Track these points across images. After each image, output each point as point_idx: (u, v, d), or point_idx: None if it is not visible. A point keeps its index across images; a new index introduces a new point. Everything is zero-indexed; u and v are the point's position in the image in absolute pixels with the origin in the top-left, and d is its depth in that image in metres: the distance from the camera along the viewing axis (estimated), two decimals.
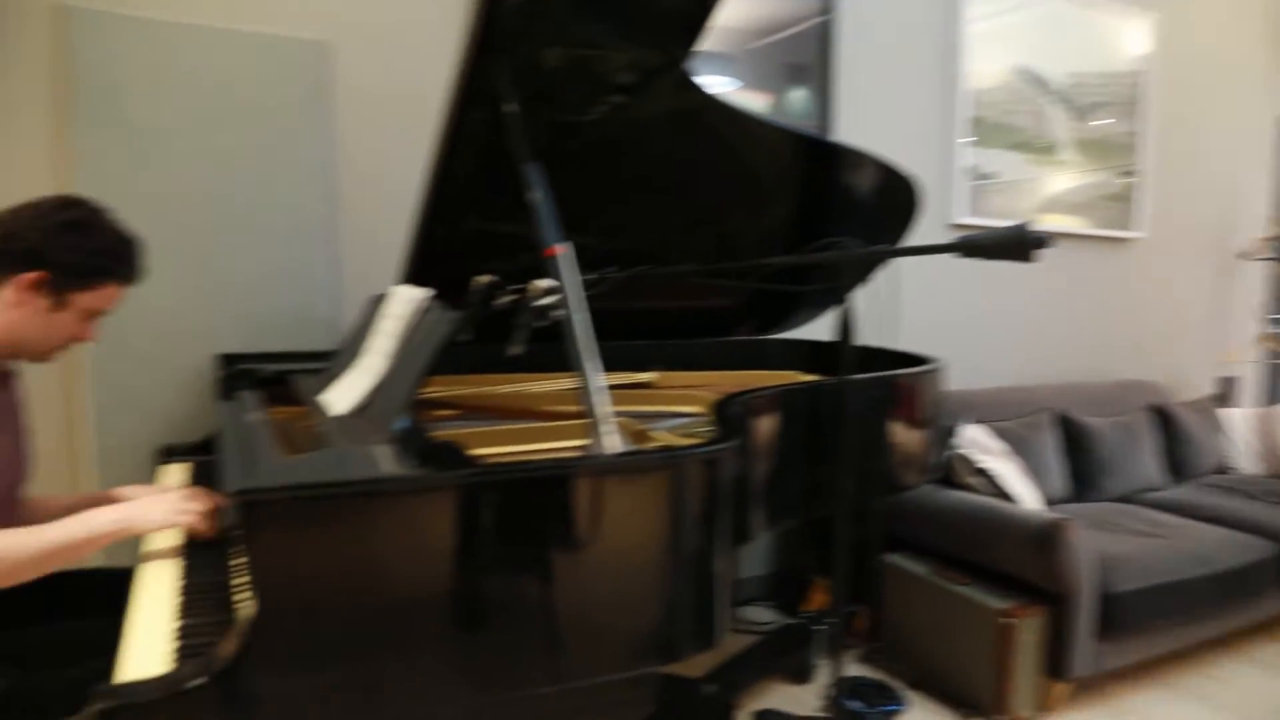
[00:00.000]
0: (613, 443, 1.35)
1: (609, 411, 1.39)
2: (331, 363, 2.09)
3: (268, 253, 2.48)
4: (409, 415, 1.46)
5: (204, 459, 2.24)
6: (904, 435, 2.20)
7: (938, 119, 3.63)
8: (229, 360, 2.35)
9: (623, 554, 1.32)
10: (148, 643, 1.29)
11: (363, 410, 1.65)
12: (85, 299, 1.60)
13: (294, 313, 2.51)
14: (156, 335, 2.39)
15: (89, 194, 1.64)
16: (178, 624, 1.34)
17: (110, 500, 1.89)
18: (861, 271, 2.58)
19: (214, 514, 1.56)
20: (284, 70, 2.47)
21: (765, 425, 1.80)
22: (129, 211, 1.67)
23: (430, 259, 2.10)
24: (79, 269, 1.57)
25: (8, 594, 1.70)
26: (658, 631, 1.35)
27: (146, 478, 2.32)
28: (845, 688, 2.63)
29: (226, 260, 2.44)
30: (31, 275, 1.54)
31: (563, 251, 1.46)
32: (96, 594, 1.79)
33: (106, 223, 1.61)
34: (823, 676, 2.82)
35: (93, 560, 2.29)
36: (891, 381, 2.18)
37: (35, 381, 2.32)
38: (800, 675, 2.81)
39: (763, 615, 3.22)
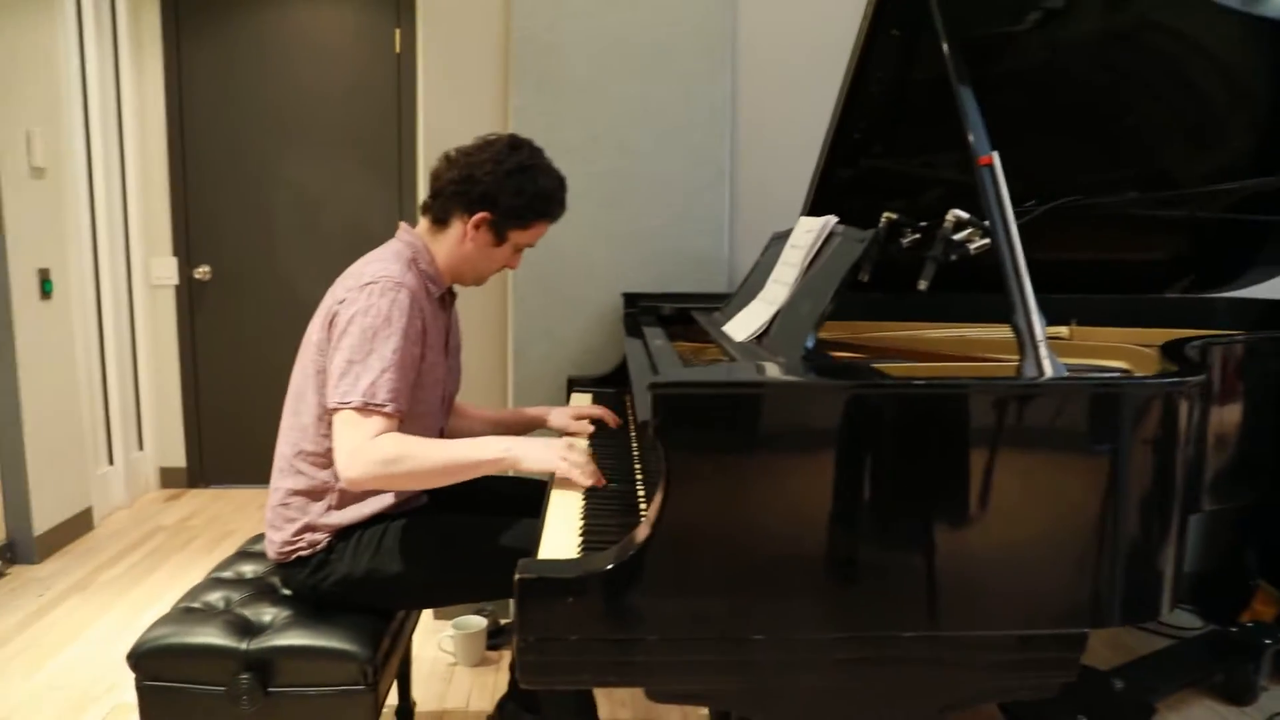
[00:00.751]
0: (1051, 366, 1.17)
1: (1044, 334, 1.20)
2: (731, 300, 2.09)
3: (670, 197, 2.55)
4: (815, 337, 1.38)
5: (604, 390, 2.35)
6: None
7: None
8: (632, 300, 2.46)
9: (1056, 492, 1.14)
10: (559, 539, 1.36)
11: (763, 337, 1.61)
12: (521, 236, 1.73)
13: (693, 255, 2.57)
14: (570, 276, 2.56)
15: None
16: (581, 524, 1.41)
17: (526, 418, 2.04)
18: None
19: (587, 467, 1.60)
20: (690, 18, 2.52)
21: (1224, 377, 1.50)
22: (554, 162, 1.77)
23: (832, 200, 2.03)
24: (521, 211, 1.69)
25: (448, 491, 1.88)
26: (1086, 586, 1.17)
27: (557, 403, 2.48)
28: None
29: (634, 205, 2.55)
30: (480, 216, 1.68)
31: (994, 161, 1.30)
32: (518, 496, 1.95)
33: (546, 166, 1.72)
34: (1270, 704, 2.36)
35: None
36: None
37: (470, 315, 2.57)
38: (1238, 696, 2.38)
39: (1181, 618, 2.77)
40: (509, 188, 1.66)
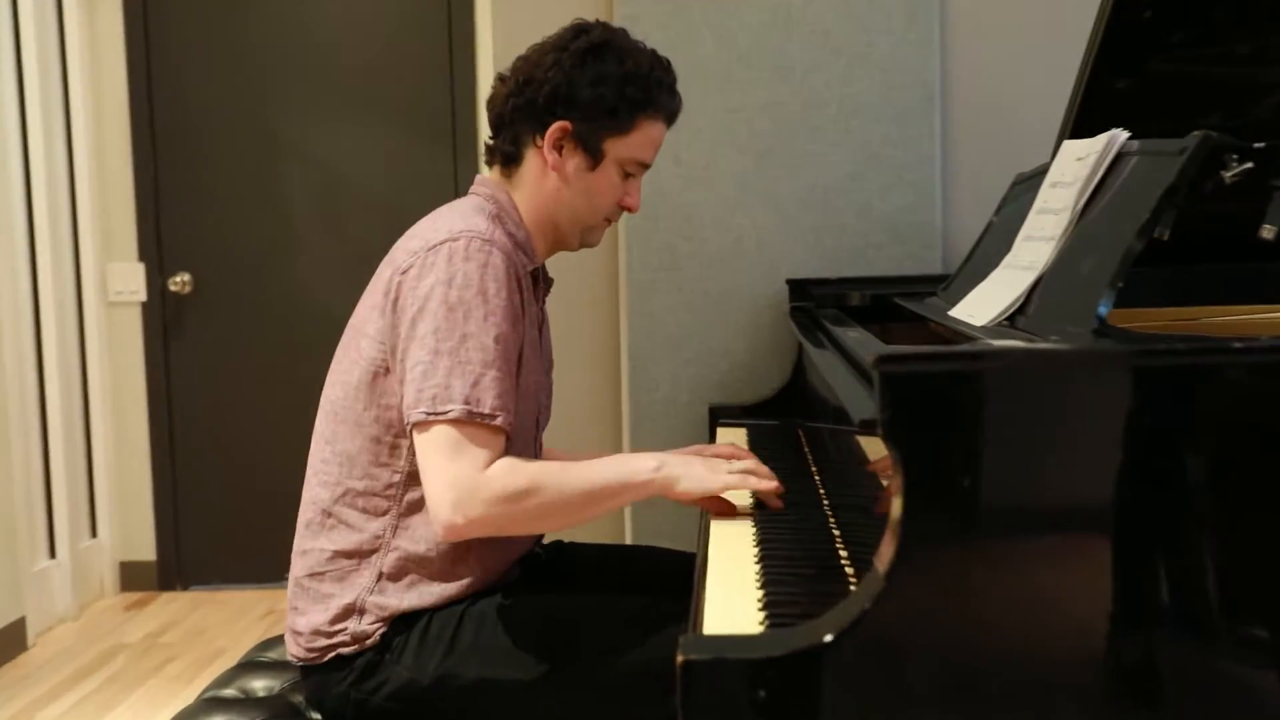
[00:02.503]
0: None
1: None
2: (954, 279, 2.07)
3: (853, 137, 2.55)
4: (1110, 304, 1.34)
5: (764, 422, 2.35)
6: None
7: None
8: (802, 288, 2.45)
9: None
10: (730, 605, 1.34)
11: (1018, 316, 1.59)
12: (623, 146, 1.73)
13: (889, 220, 2.56)
14: (707, 259, 2.57)
15: None
16: (760, 591, 1.39)
17: None
18: None
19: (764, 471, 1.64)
20: None
21: None
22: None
23: (1103, 123, 1.98)
24: (613, 105, 1.70)
25: (546, 560, 1.87)
26: None
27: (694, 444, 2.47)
28: None
29: (798, 151, 2.55)
30: (557, 128, 1.69)
31: None
32: (647, 568, 1.95)
33: (633, 43, 1.74)
34: None
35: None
36: None
37: (564, 319, 2.57)
38: None
39: None
40: (585, 76, 1.68)
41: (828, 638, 1.08)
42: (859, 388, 1.42)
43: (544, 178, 1.74)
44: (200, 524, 4.18)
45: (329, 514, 1.68)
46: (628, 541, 2.62)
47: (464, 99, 3.95)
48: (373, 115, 4.03)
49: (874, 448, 1.45)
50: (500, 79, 1.77)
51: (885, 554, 1.10)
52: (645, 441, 2.56)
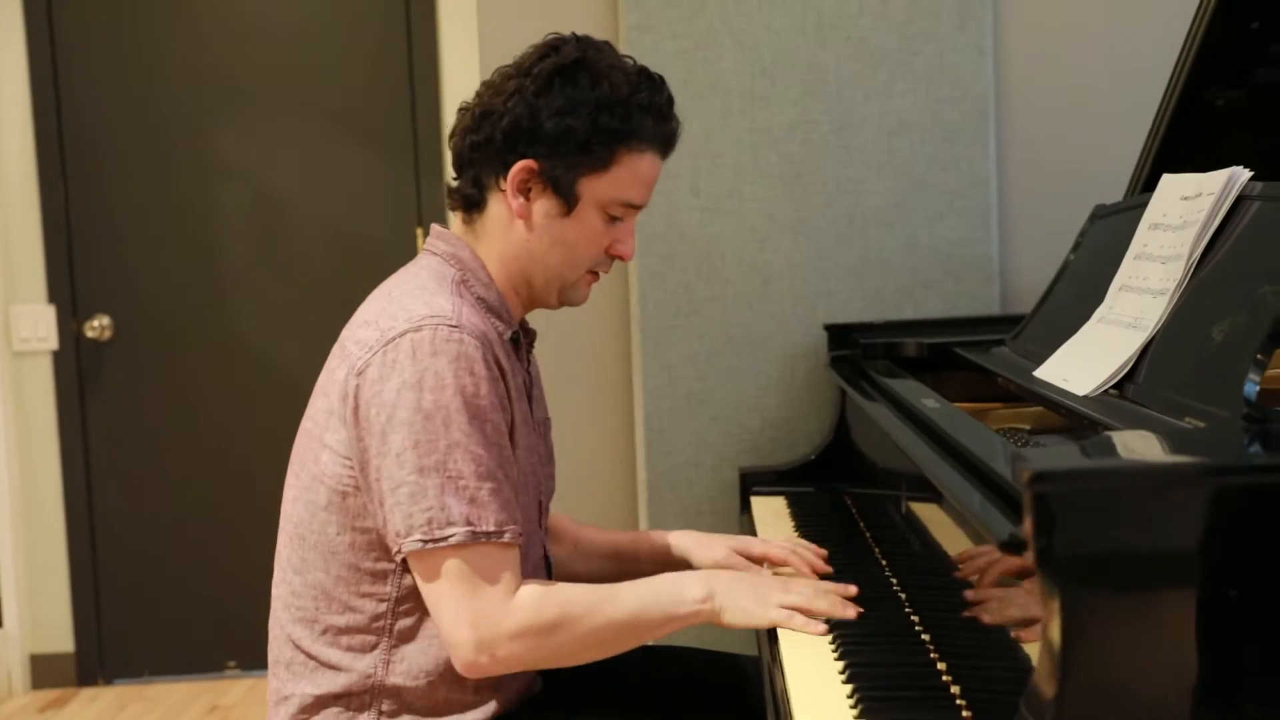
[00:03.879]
0: None
1: None
2: (1026, 326, 2.07)
3: (895, 160, 2.55)
4: (1258, 375, 1.32)
5: (802, 490, 2.35)
6: None
7: None
8: (843, 334, 2.44)
9: None
10: None
11: (1127, 384, 1.58)
12: (603, 186, 1.67)
13: (940, 253, 2.57)
14: (732, 301, 2.56)
15: None
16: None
17: (656, 546, 1.99)
18: None
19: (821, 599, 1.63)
20: None
21: None
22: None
23: (1198, 147, 1.99)
24: (584, 139, 1.63)
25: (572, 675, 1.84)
26: None
27: (723, 516, 2.45)
28: None
29: (833, 177, 2.55)
30: (520, 168, 1.64)
31: None
32: (688, 679, 1.93)
33: (614, 60, 1.67)
34: None
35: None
36: None
37: (562, 372, 2.54)
38: None
39: None
40: (550, 105, 1.62)
41: None
42: (964, 484, 1.38)
43: (510, 227, 1.68)
44: (124, 608, 4.11)
45: (309, 655, 1.64)
46: None
47: (427, 111, 3.93)
48: (321, 131, 4.00)
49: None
50: (462, 109, 1.72)
51: (1039, 699, 1.06)
52: (665, 514, 2.54)
